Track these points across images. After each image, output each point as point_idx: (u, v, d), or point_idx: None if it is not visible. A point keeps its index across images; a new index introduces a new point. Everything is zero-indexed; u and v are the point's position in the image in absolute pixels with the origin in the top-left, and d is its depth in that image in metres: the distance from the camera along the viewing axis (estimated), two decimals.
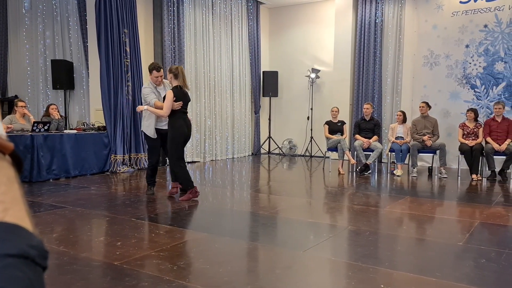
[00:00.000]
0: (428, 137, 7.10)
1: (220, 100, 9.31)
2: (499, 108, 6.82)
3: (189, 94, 5.02)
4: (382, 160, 8.62)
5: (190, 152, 8.45)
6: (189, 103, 5.00)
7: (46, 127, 6.47)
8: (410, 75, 8.67)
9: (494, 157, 6.66)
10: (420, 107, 7.40)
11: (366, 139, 7.33)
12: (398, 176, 7.05)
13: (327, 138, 7.66)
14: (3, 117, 7.01)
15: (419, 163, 7.46)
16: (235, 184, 6.47)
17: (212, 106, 9.10)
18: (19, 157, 0.46)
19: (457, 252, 3.19)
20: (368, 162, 7.21)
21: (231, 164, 8.63)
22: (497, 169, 6.76)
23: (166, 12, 7.86)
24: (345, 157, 7.37)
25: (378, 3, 8.93)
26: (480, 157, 6.77)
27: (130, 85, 7.29)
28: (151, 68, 5.04)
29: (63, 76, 8.42)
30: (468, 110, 7.20)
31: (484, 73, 7.98)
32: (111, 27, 6.97)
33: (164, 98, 4.81)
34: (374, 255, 3.10)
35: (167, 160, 7.90)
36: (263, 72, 10.31)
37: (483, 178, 6.77)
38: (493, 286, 2.57)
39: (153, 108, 4.87)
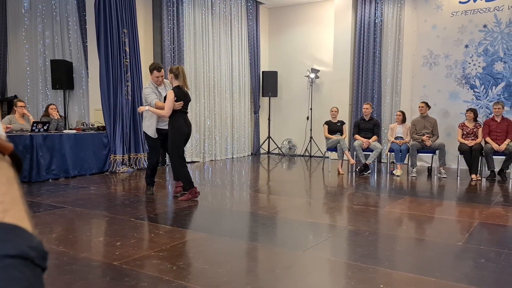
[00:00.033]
0: (428, 137, 7.10)
1: (219, 100, 9.31)
2: (499, 108, 6.83)
3: (189, 94, 5.03)
4: (382, 160, 8.62)
5: (189, 152, 8.45)
6: (189, 103, 5.01)
7: (45, 127, 6.46)
8: (410, 75, 8.68)
9: (494, 157, 6.66)
10: (419, 107, 7.40)
11: (366, 139, 7.33)
12: (397, 176, 7.05)
13: (327, 138, 7.66)
14: (2, 117, 7.01)
15: (418, 163, 7.46)
16: (235, 184, 6.47)
17: (212, 106, 9.10)
18: (19, 157, 0.46)
19: (457, 252, 3.19)
20: (368, 162, 7.21)
21: (231, 164, 8.63)
22: (497, 169, 6.77)
23: (166, 12, 7.86)
24: (345, 157, 7.37)
25: (378, 3, 8.93)
26: (480, 157, 6.78)
27: (130, 85, 7.29)
28: (152, 68, 5.05)
29: (63, 76, 8.41)
30: (467, 110, 7.21)
31: (483, 73, 7.99)
32: (111, 27, 6.97)
33: (165, 98, 4.82)
34: (373, 255, 3.10)
35: (167, 160, 7.95)
36: (262, 72, 10.31)
37: (483, 178, 6.77)
38: (492, 286, 2.57)
39: (154, 108, 4.88)
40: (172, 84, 4.90)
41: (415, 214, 4.41)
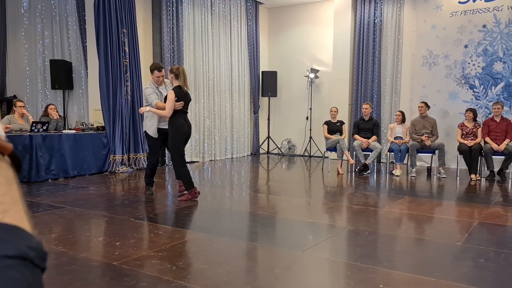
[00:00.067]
0: (427, 137, 7.11)
1: (219, 100, 9.31)
2: (498, 108, 6.83)
3: (189, 94, 5.05)
4: (381, 160, 8.62)
5: (189, 152, 8.45)
6: (189, 103, 5.03)
7: (44, 127, 6.46)
8: (409, 75, 8.68)
9: (493, 157, 6.67)
10: (419, 107, 7.41)
11: (365, 139, 7.33)
12: (397, 176, 7.06)
13: (326, 138, 7.67)
14: (1, 117, 7.00)
15: (418, 163, 7.47)
16: (234, 184, 6.47)
17: (211, 106, 9.10)
18: (18, 158, 0.46)
19: (456, 252, 3.19)
20: (367, 162, 7.21)
21: (230, 164, 8.63)
22: (496, 169, 6.77)
23: (165, 12, 7.86)
24: (344, 157, 7.37)
25: (377, 3, 8.93)
26: (479, 157, 6.78)
27: (129, 85, 7.28)
28: (153, 68, 5.07)
29: (62, 76, 8.41)
30: (467, 110, 7.21)
31: (483, 73, 7.99)
32: (110, 27, 6.96)
33: (165, 98, 4.85)
34: (373, 255, 3.10)
35: (166, 160, 7.95)
36: (262, 72, 10.31)
37: (482, 178, 6.78)
38: (492, 286, 2.57)
39: (155, 109, 4.90)
40: (172, 84, 4.92)
41: (415, 214, 4.41)
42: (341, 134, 7.64)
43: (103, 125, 7.14)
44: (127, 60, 7.23)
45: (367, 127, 7.51)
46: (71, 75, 8.64)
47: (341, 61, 9.33)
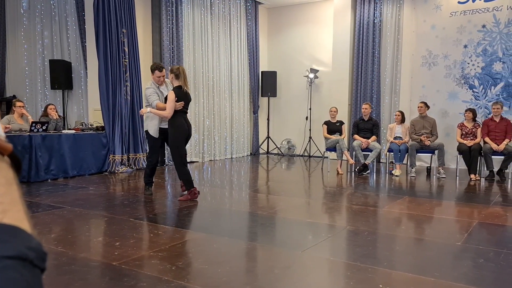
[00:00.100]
0: (426, 137, 7.11)
1: (218, 100, 9.30)
2: (497, 108, 6.84)
3: (189, 93, 5.06)
4: (381, 160, 8.63)
5: (188, 152, 8.44)
6: (189, 103, 5.04)
7: (44, 127, 6.46)
8: (409, 75, 8.69)
9: (493, 157, 6.67)
10: (418, 107, 7.41)
11: (365, 139, 7.33)
12: (396, 176, 7.06)
13: (326, 138, 7.67)
14: (1, 117, 7.00)
15: (417, 163, 7.47)
16: (234, 184, 6.46)
17: (211, 106, 9.10)
18: (18, 158, 0.46)
19: (456, 252, 3.20)
20: (367, 162, 7.21)
21: (230, 164, 8.63)
22: (496, 169, 6.77)
23: (165, 12, 7.86)
24: (344, 157, 7.37)
25: (377, 3, 8.94)
26: (479, 157, 6.78)
27: (129, 85, 7.28)
28: (154, 68, 5.08)
29: (62, 76, 8.40)
30: (466, 110, 7.22)
31: (482, 73, 8.00)
32: (110, 27, 6.96)
33: (165, 98, 4.86)
34: (372, 255, 3.10)
35: (166, 160, 7.95)
36: (261, 72, 10.31)
37: (482, 178, 6.78)
38: (491, 286, 2.57)
39: (156, 110, 4.91)
40: (172, 84, 4.93)
41: (414, 214, 4.41)
42: (340, 134, 7.64)
43: (103, 125, 7.14)
44: (127, 60, 7.23)
45: (367, 127, 7.51)
46: (71, 75, 8.64)
47: (341, 61, 9.33)
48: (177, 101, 4.74)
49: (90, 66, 7.57)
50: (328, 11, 9.73)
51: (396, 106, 8.75)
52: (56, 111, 7.11)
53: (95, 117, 7.48)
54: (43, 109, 7.49)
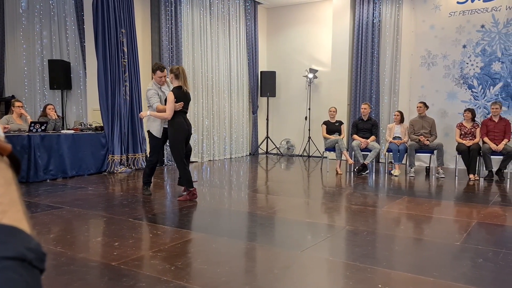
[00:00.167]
0: (425, 137, 7.11)
1: (218, 100, 9.30)
2: (496, 108, 6.84)
3: (189, 93, 5.06)
4: (380, 160, 8.63)
5: None
6: (189, 103, 5.05)
7: (43, 127, 6.45)
8: (408, 75, 8.69)
9: (491, 157, 6.68)
10: (417, 107, 7.42)
11: (364, 139, 7.34)
12: (395, 176, 7.06)
13: (325, 138, 7.67)
14: (0, 117, 6.99)
15: (416, 163, 7.48)
16: (233, 184, 6.46)
17: (210, 106, 9.10)
18: (17, 158, 0.46)
19: (455, 252, 3.20)
20: (366, 162, 7.22)
21: (229, 164, 8.63)
22: (494, 169, 6.78)
23: (164, 12, 7.86)
24: (343, 157, 7.38)
25: (376, 3, 8.94)
26: (478, 157, 6.79)
27: (128, 85, 7.27)
28: (155, 69, 5.09)
29: (60, 76, 8.40)
30: (465, 110, 7.23)
31: (481, 73, 8.01)
32: (109, 27, 6.95)
33: (165, 100, 4.88)
34: (371, 255, 3.10)
35: (165, 160, 7.95)
36: (261, 72, 10.31)
37: (481, 178, 6.79)
38: (490, 286, 2.57)
39: (155, 112, 4.91)
40: (172, 84, 4.93)
41: (413, 214, 4.41)
42: (340, 134, 7.64)
43: (102, 125, 7.14)
44: (126, 60, 7.22)
45: (366, 127, 7.52)
46: (70, 75, 8.63)
47: (340, 61, 9.34)
48: (176, 102, 4.75)
49: (89, 66, 7.56)
50: (327, 11, 9.73)
51: (395, 106, 8.76)
52: (55, 111, 7.10)
53: (94, 117, 7.48)
54: (42, 109, 7.48)
